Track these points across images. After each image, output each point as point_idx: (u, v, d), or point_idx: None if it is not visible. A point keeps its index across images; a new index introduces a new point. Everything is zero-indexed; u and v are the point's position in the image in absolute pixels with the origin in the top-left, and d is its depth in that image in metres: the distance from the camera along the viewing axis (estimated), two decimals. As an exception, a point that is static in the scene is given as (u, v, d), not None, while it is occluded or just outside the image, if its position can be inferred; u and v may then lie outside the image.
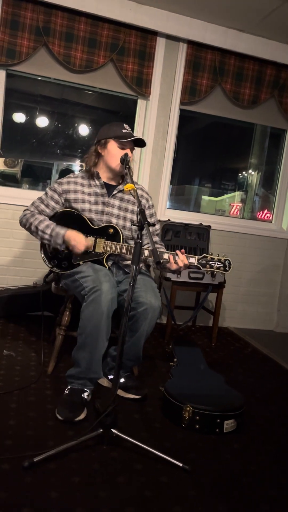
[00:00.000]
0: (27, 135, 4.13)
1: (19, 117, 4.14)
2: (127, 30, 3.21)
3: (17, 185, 3.90)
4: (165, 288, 3.24)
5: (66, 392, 1.98)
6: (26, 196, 3.28)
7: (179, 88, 3.43)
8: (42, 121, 4.27)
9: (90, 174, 2.21)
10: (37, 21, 3.01)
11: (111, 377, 2.23)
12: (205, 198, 5.04)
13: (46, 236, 2.10)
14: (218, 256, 2.09)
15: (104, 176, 2.22)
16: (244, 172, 4.76)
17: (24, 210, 2.23)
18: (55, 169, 4.99)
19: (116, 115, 4.31)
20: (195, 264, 2.05)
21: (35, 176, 4.57)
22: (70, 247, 2.08)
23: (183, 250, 2.02)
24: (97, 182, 2.21)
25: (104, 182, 2.21)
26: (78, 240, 2.05)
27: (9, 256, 3.26)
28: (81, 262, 2.11)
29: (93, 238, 2.12)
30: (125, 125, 2.15)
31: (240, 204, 4.53)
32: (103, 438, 1.68)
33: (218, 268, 2.06)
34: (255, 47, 3.42)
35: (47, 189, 2.23)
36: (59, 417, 1.84)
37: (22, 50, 3.02)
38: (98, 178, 2.21)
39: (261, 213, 4.17)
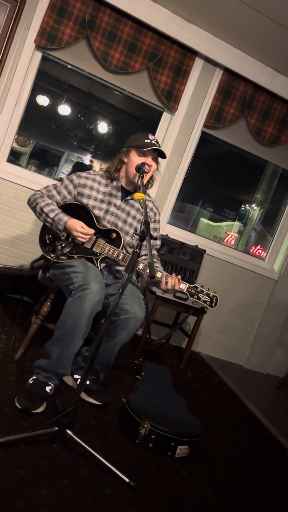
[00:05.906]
0: (46, 119, 4.12)
1: (43, 100, 4.14)
2: (169, 43, 3.25)
3: (20, 163, 3.87)
4: (148, 300, 3.23)
5: (30, 382, 1.95)
6: (31, 178, 3.26)
7: (206, 111, 3.47)
8: (64, 110, 4.28)
9: (110, 176, 2.22)
10: (84, 14, 3.03)
11: (77, 376, 2.21)
12: (204, 220, 5.08)
13: (49, 219, 2.10)
14: (208, 290, 2.09)
15: (124, 182, 2.23)
16: (247, 205, 4.82)
17: (36, 191, 2.23)
18: (64, 158, 4.98)
19: (138, 121, 4.34)
20: (184, 291, 2.06)
21: (43, 160, 4.56)
22: (72, 236, 2.08)
23: (179, 276, 2.03)
24: (115, 184, 2.22)
25: (121, 185, 2.23)
26: (79, 231, 2.04)
27: (2, 234, 3.23)
28: (75, 256, 2.10)
29: (94, 237, 2.12)
30: (150, 136, 2.15)
31: (236, 235, 4.58)
32: (56, 437, 1.67)
33: (204, 301, 2.08)
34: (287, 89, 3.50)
35: (64, 177, 2.24)
36: (18, 405, 1.81)
37: (63, 38, 3.03)
38: (117, 181, 2.22)
39: (254, 247, 4.22)
